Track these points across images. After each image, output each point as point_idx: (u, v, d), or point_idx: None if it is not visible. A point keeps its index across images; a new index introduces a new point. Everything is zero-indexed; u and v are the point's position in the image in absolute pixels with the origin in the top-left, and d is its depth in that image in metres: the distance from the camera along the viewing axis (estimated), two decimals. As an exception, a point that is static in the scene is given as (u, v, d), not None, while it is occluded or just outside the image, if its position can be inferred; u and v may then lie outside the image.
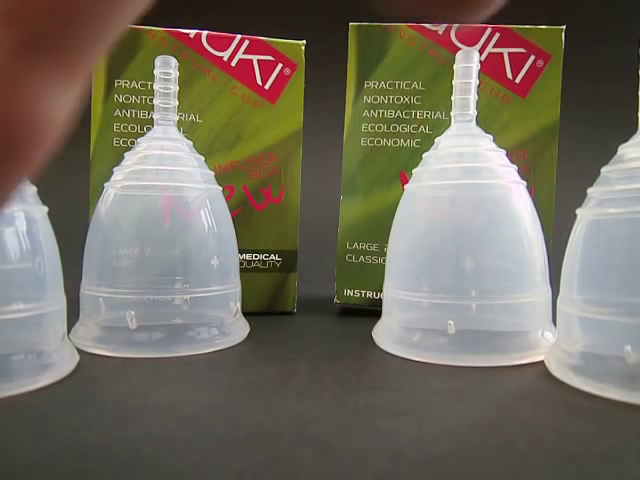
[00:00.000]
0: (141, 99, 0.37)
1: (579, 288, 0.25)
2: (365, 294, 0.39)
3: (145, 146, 0.31)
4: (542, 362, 0.27)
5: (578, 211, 0.26)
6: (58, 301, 0.26)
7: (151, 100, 0.33)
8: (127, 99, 0.36)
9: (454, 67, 0.30)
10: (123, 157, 0.31)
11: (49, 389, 0.23)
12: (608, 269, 0.24)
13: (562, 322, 0.26)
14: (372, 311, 0.37)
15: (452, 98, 0.31)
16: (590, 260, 0.25)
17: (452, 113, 0.31)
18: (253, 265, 0.38)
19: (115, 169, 0.31)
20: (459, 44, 0.37)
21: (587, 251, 0.25)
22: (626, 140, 0.26)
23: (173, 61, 0.31)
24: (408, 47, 0.37)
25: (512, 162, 0.30)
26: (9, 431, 0.19)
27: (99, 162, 0.36)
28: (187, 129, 0.37)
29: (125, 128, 0.36)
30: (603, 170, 0.26)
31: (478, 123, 0.31)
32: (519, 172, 0.30)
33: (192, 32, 0.37)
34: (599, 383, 0.23)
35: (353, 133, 0.38)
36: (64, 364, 0.25)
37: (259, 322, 0.35)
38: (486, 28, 0.37)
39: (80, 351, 0.28)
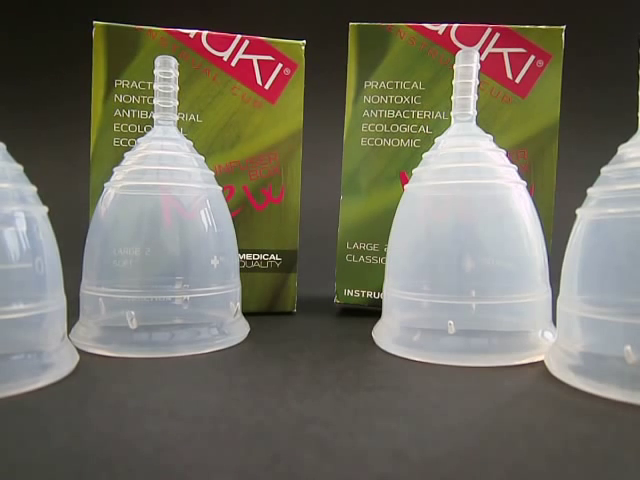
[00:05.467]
0: (141, 99, 0.37)
1: (579, 288, 0.25)
2: (365, 294, 0.39)
3: (145, 146, 0.31)
4: (542, 362, 0.27)
5: (578, 211, 0.26)
6: (58, 301, 0.26)
7: (151, 100, 0.34)
8: (127, 99, 0.36)
9: (454, 67, 0.30)
10: (123, 157, 0.31)
11: (49, 389, 0.23)
12: (608, 269, 0.24)
13: (562, 322, 0.26)
14: (372, 311, 0.37)
15: (452, 98, 0.31)
16: (590, 260, 0.25)
17: (452, 113, 0.31)
18: (253, 265, 0.38)
19: (115, 169, 0.31)
20: (459, 44, 0.37)
21: (587, 251, 0.25)
22: (626, 140, 0.26)
23: (173, 61, 0.31)
24: (408, 47, 0.37)
25: (512, 162, 0.30)
26: (9, 431, 0.19)
27: (99, 162, 0.36)
28: (187, 129, 0.37)
29: (125, 128, 0.36)
30: (603, 170, 0.26)
31: (478, 123, 0.31)
32: (519, 172, 0.30)
33: (192, 32, 0.37)
34: (599, 383, 0.23)
35: (353, 133, 0.38)
36: (64, 364, 0.25)
37: (259, 322, 0.35)
38: (486, 28, 0.37)
39: (80, 351, 0.28)
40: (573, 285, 0.26)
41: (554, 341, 0.28)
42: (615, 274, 0.24)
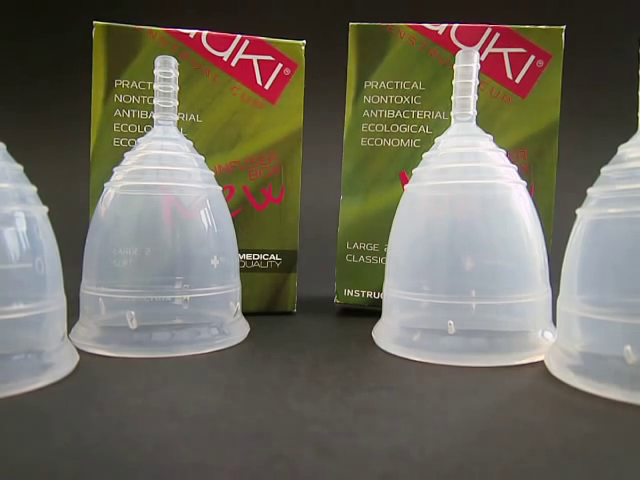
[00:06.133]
0: (141, 99, 0.37)
1: (579, 288, 0.25)
2: (365, 294, 0.39)
3: (145, 146, 0.31)
4: (542, 362, 0.27)
5: (578, 211, 0.26)
6: (58, 301, 0.26)
7: (151, 100, 0.33)
8: (127, 99, 0.36)
9: (454, 67, 0.30)
10: (123, 157, 0.31)
11: (49, 389, 0.23)
12: (608, 269, 0.24)
13: (562, 322, 0.26)
14: (372, 311, 0.37)
15: (452, 98, 0.31)
16: (590, 260, 0.25)
17: (452, 113, 0.31)
18: (253, 265, 0.38)
19: (115, 169, 0.31)
20: (459, 44, 0.37)
21: (587, 251, 0.25)
22: (626, 140, 0.26)
23: (173, 61, 0.31)
24: (408, 47, 0.37)
25: (512, 162, 0.30)
26: (9, 431, 0.19)
27: (99, 162, 0.36)
28: (187, 129, 0.37)
29: (125, 128, 0.36)
30: (603, 170, 0.26)
31: (478, 123, 0.31)
32: (519, 172, 0.30)
33: (192, 32, 0.37)
34: (599, 383, 0.23)
35: (353, 133, 0.38)
36: (64, 364, 0.25)
37: (259, 322, 0.35)
38: (486, 28, 0.37)
39: (80, 351, 0.28)
40: (573, 285, 0.26)
41: (554, 341, 0.28)
42: (615, 274, 0.24)
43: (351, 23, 0.38)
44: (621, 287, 0.24)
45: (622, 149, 0.26)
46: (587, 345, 0.25)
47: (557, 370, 0.25)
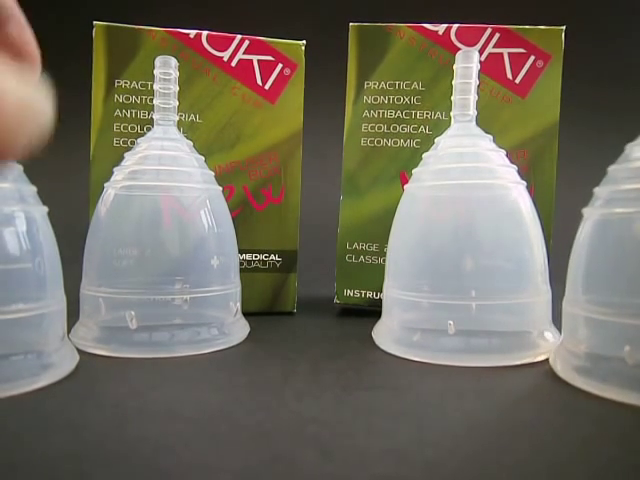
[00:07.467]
0: (141, 99, 0.37)
1: (584, 288, 0.25)
2: (365, 294, 0.39)
3: (145, 146, 0.31)
4: (544, 362, 0.27)
5: (584, 210, 0.26)
6: (58, 301, 0.26)
7: (151, 100, 0.33)
8: (127, 99, 0.36)
9: (454, 67, 0.30)
10: (123, 157, 0.31)
11: (49, 389, 0.23)
12: (614, 269, 0.24)
13: (567, 322, 0.26)
14: (372, 311, 0.37)
15: (452, 98, 0.31)
16: (596, 260, 0.25)
17: (452, 113, 0.31)
18: (253, 265, 0.38)
19: (115, 169, 0.31)
20: (459, 44, 0.37)
21: (593, 251, 0.25)
22: (627, 139, 0.26)
23: (173, 61, 0.31)
24: (408, 47, 0.37)
25: (512, 162, 0.30)
26: (9, 431, 0.19)
27: (99, 162, 0.36)
28: (187, 129, 0.37)
29: (125, 128, 0.36)
30: (610, 169, 0.26)
31: (478, 123, 0.31)
32: (519, 172, 0.30)
33: (192, 32, 0.37)
34: (603, 384, 0.23)
35: (353, 133, 0.38)
36: (64, 364, 0.25)
37: (259, 322, 0.35)
38: (486, 28, 0.37)
39: (80, 351, 0.28)
40: (578, 285, 0.25)
41: (558, 341, 0.28)
42: (620, 274, 0.24)
43: (351, 23, 0.38)
44: (626, 287, 0.24)
45: (629, 148, 0.25)
46: (592, 346, 0.25)
47: (561, 371, 0.25)
